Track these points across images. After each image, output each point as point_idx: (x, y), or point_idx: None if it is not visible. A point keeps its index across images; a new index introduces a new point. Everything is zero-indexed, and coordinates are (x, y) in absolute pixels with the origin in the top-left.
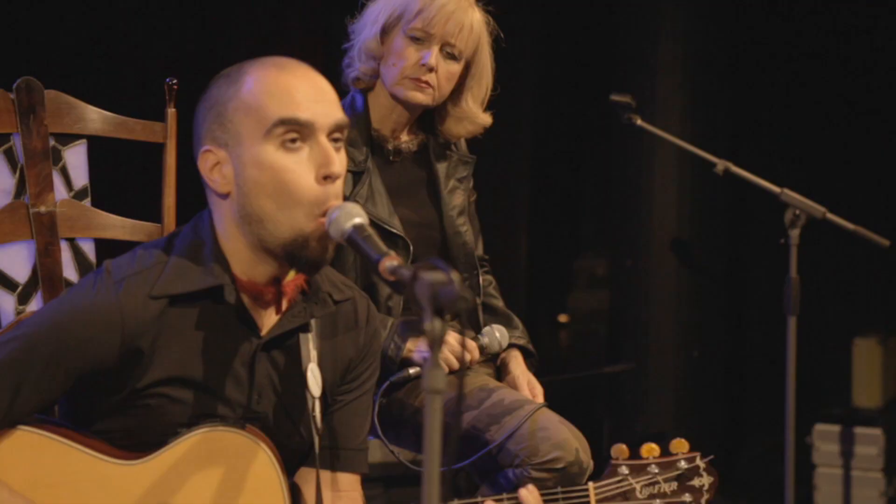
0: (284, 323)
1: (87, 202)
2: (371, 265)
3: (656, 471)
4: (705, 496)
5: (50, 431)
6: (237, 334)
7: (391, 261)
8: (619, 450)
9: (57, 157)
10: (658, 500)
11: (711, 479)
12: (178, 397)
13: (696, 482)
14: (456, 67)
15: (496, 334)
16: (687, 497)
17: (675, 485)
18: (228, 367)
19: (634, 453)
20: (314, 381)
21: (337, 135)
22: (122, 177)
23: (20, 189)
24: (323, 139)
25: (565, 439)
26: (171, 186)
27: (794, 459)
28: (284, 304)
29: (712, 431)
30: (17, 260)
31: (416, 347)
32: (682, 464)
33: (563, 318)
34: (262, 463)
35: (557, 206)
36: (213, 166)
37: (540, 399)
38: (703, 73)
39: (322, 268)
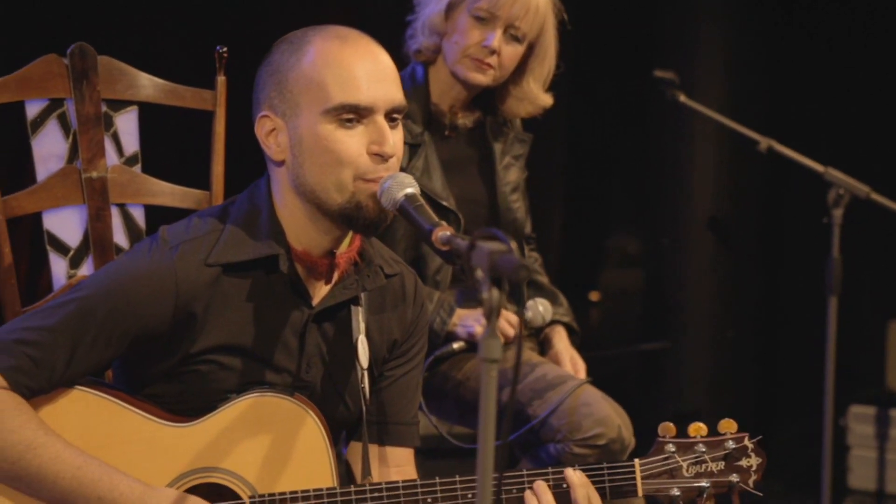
0: (336, 294)
1: (137, 168)
2: (423, 235)
3: (703, 450)
4: (753, 477)
5: (104, 392)
6: (289, 304)
7: (444, 231)
8: (666, 428)
9: (108, 123)
10: (705, 480)
11: (760, 459)
12: (228, 364)
13: (744, 462)
14: (519, 49)
15: (539, 308)
16: (734, 477)
17: (722, 464)
18: (279, 336)
19: (681, 432)
20: (363, 352)
21: (395, 115)
22: (171, 144)
23: (73, 154)
24: (380, 119)
25: (608, 416)
26: (220, 154)
27: (831, 441)
28: (336, 276)
29: (746, 411)
30: (70, 224)
31: (460, 321)
32: (730, 444)
33: (594, 296)
34: (310, 430)
35: (591, 184)
36: (270, 132)
37: (582, 375)
38: (744, 49)
39: (381, 227)
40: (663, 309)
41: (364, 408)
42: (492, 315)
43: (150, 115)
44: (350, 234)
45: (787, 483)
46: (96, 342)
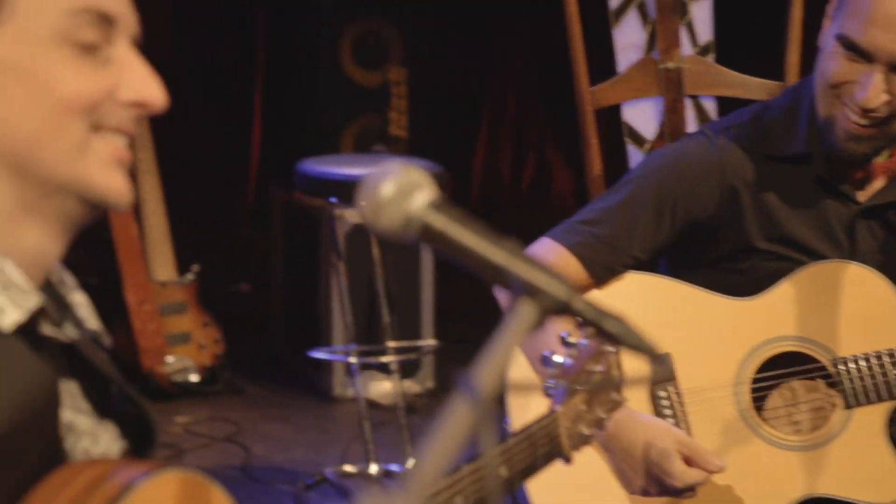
0: (887, 193)
1: (710, 58)
2: None
3: None
4: None
5: (664, 277)
6: (831, 200)
7: None
8: None
9: (683, 11)
10: None
11: None
12: (779, 253)
13: None
14: None
15: None
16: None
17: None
18: (828, 230)
19: None
20: None
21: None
22: (745, 32)
23: (650, 44)
24: (877, 70)
25: None
26: (795, 42)
27: None
28: (869, 186)
29: None
30: (646, 116)
31: None
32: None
33: None
34: (880, 289)
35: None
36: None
37: None
38: None
39: None
40: None
41: None
42: None
43: (724, 1)
44: None
45: None
46: (651, 219)
